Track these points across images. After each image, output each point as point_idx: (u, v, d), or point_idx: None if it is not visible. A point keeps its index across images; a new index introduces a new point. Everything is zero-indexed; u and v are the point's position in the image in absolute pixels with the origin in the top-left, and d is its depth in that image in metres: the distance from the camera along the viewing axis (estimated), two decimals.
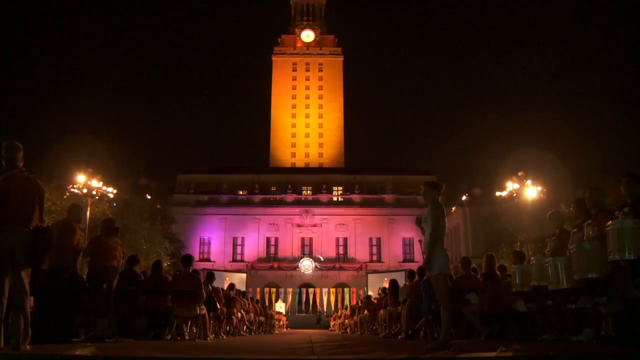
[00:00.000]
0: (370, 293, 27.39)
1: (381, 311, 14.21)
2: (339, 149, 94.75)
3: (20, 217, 5.59)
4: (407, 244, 63.93)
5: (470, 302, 9.67)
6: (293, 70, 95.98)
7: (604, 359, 4.70)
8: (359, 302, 22.33)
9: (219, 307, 12.04)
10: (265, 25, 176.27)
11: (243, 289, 31.37)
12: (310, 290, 60.81)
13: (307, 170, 78.67)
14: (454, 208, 61.81)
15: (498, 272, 9.96)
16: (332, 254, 65.07)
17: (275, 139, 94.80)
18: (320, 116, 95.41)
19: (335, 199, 67.83)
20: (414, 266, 12.08)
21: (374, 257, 64.47)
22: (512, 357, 4.88)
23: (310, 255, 64.55)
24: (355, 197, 66.96)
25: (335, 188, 69.02)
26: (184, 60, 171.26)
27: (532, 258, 8.40)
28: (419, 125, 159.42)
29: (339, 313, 30.57)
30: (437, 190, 6.47)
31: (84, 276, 9.83)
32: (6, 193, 5.52)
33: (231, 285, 15.47)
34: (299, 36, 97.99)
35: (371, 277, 52.88)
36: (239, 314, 15.12)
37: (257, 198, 67.16)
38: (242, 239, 65.90)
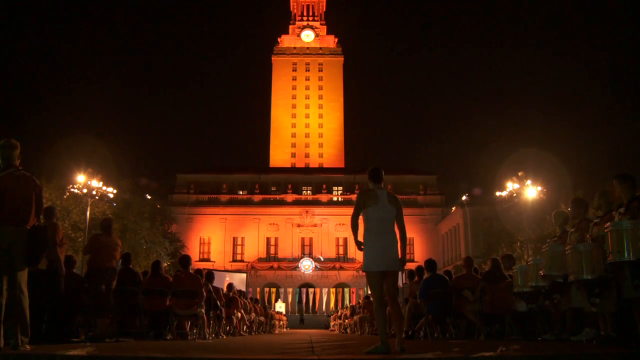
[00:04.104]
0: (370, 293, 27.38)
1: None
2: (339, 149, 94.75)
3: (17, 216, 5.55)
4: (408, 244, 63.88)
5: (468, 299, 9.67)
6: (293, 70, 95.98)
7: (604, 359, 4.70)
8: (359, 302, 22.32)
9: (219, 306, 12.04)
10: (265, 25, 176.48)
11: (243, 289, 31.36)
12: (310, 290, 60.83)
13: (307, 170, 78.69)
14: (454, 208, 61.84)
15: (504, 273, 9.93)
16: (332, 254, 65.08)
17: (275, 139, 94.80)
18: (320, 116, 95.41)
19: (335, 199, 67.84)
20: (413, 266, 12.08)
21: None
22: (512, 357, 4.88)
23: (310, 255, 64.56)
24: (355, 197, 66.91)
25: (335, 188, 69.04)
26: (184, 60, 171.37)
27: (529, 259, 8.39)
28: (419, 125, 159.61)
29: (339, 313, 30.56)
30: (368, 179, 6.09)
31: (83, 276, 9.83)
32: (3, 192, 5.48)
33: (230, 286, 15.46)
34: (299, 36, 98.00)
35: None
36: (239, 314, 15.12)
37: (257, 198, 67.20)
38: (242, 239, 65.94)
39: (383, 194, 5.83)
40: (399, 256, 5.76)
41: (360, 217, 5.85)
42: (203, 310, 10.23)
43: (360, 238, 5.79)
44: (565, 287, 7.08)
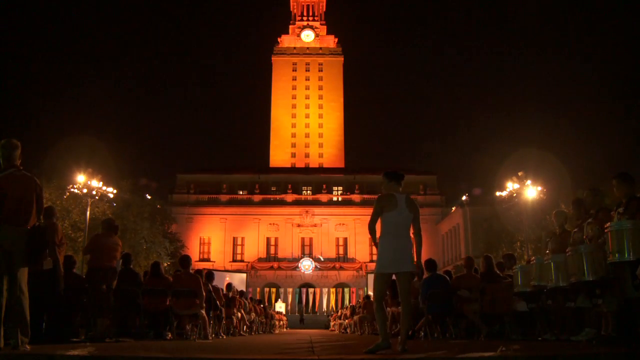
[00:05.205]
0: (370, 293, 27.41)
1: None
2: (339, 149, 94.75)
3: (18, 216, 5.55)
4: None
5: (464, 298, 9.68)
6: (293, 70, 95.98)
7: (604, 359, 4.70)
8: (359, 302, 22.30)
9: (219, 306, 12.04)
10: (265, 25, 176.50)
11: (243, 289, 31.38)
12: (310, 290, 60.83)
13: (307, 170, 78.71)
14: (454, 208, 61.85)
15: (498, 271, 9.95)
16: (332, 254, 65.08)
17: (275, 139, 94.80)
18: (320, 116, 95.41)
19: (335, 199, 67.84)
20: None
21: (374, 257, 64.09)
22: (512, 357, 4.87)
23: (310, 255, 64.56)
24: (355, 197, 66.97)
25: (335, 188, 69.05)
26: (184, 60, 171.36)
27: (532, 258, 8.39)
28: (419, 125, 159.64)
29: (339, 313, 30.54)
30: (387, 180, 5.98)
31: (84, 276, 9.84)
32: (3, 192, 5.48)
33: (229, 286, 15.49)
34: (299, 36, 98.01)
35: (371, 277, 52.58)
36: (239, 314, 15.12)
37: (257, 198, 67.20)
38: (242, 239, 65.94)
39: (402, 198, 5.86)
40: (414, 259, 5.83)
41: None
42: (203, 311, 10.23)
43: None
44: (572, 292, 7.08)
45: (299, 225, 65.87)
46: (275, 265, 63.69)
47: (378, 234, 5.89)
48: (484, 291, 9.40)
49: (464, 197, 58.29)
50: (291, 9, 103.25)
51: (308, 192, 68.32)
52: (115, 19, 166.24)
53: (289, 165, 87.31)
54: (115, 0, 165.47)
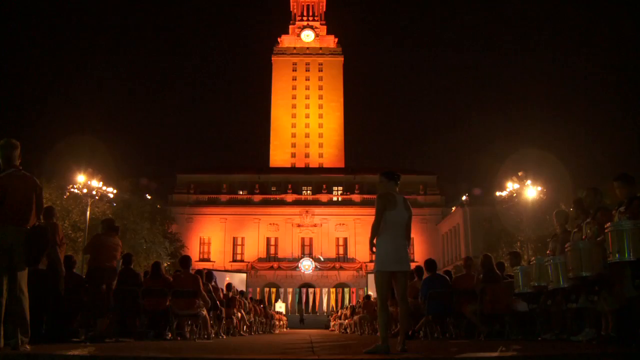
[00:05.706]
0: (370, 293, 27.39)
1: None
2: (339, 149, 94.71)
3: (18, 216, 5.55)
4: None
5: (466, 298, 9.68)
6: (293, 70, 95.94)
7: (604, 359, 4.70)
8: (359, 302, 22.30)
9: (219, 306, 12.04)
10: (265, 25, 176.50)
11: (243, 289, 31.38)
12: (310, 290, 60.82)
13: (307, 170, 78.68)
14: (454, 208, 61.85)
15: (498, 272, 9.95)
16: (332, 254, 65.07)
17: (275, 139, 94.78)
18: (320, 116, 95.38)
19: (335, 199, 67.84)
20: (413, 266, 12.02)
21: (374, 257, 64.30)
22: (512, 357, 4.88)
23: (310, 255, 64.55)
24: (355, 197, 66.95)
25: (335, 188, 69.04)
26: (184, 60, 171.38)
27: (532, 258, 8.40)
28: (419, 125, 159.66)
29: (339, 313, 30.53)
30: (386, 180, 5.99)
31: (84, 276, 9.84)
32: (3, 192, 5.48)
33: (229, 286, 15.50)
34: (299, 36, 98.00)
35: (371, 277, 52.71)
36: (239, 314, 15.13)
37: (257, 198, 67.20)
38: (242, 239, 65.94)
39: (400, 198, 5.94)
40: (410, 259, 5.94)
41: None
42: (204, 311, 10.23)
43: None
44: (573, 292, 7.08)
45: (299, 225, 65.88)
46: (275, 265, 63.68)
47: None
48: (484, 291, 9.40)
49: (464, 197, 58.31)
50: (291, 9, 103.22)
51: (308, 192, 68.32)
52: (115, 19, 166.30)
53: (289, 165, 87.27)
54: (115, 1, 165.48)
